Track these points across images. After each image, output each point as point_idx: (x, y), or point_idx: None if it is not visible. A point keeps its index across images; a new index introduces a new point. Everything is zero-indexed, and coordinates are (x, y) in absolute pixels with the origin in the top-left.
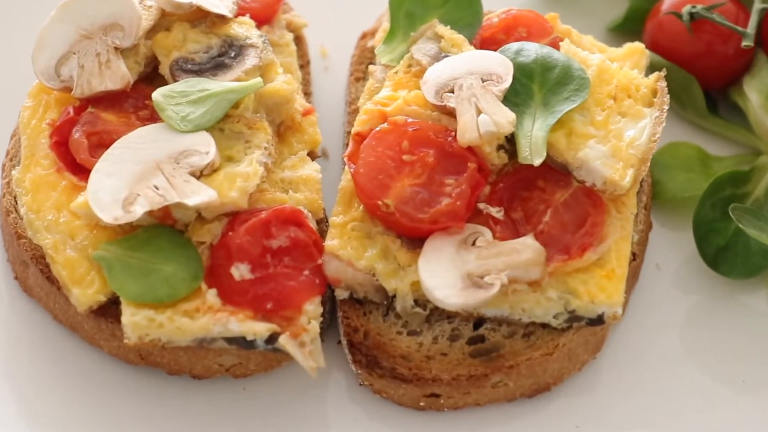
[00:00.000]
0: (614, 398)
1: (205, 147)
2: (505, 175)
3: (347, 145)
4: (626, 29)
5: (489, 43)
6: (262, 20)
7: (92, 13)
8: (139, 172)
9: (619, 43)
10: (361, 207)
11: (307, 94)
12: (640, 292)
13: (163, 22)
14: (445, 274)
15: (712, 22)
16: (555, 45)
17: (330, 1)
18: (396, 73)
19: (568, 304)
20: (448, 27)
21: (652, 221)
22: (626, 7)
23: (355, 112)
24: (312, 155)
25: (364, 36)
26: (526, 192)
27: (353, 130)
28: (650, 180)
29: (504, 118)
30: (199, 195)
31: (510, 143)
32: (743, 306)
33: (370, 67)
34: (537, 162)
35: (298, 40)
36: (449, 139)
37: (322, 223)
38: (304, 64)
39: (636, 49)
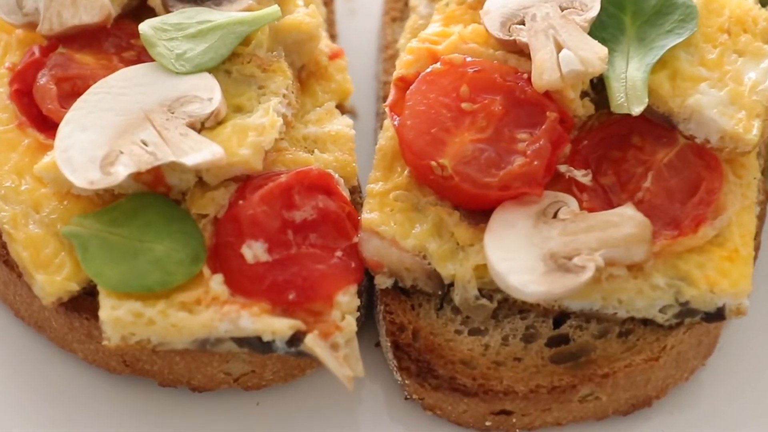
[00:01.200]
0: (727, 413)
1: (207, 92)
2: (591, 131)
3: (383, 98)
4: None
5: None
6: None
7: None
8: (123, 124)
9: None
10: (406, 171)
11: (332, 36)
12: (759, 278)
13: None
14: (520, 255)
15: None
16: None
17: None
18: (446, 5)
19: (679, 294)
20: None
21: None
22: None
23: (393, 58)
24: (341, 108)
25: None
26: (619, 151)
27: (396, 74)
28: None
29: (593, 53)
30: (199, 152)
31: (596, 90)
32: None
33: (412, 0)
34: (636, 110)
35: None
36: (520, 82)
37: (356, 192)
38: (328, 1)
39: None
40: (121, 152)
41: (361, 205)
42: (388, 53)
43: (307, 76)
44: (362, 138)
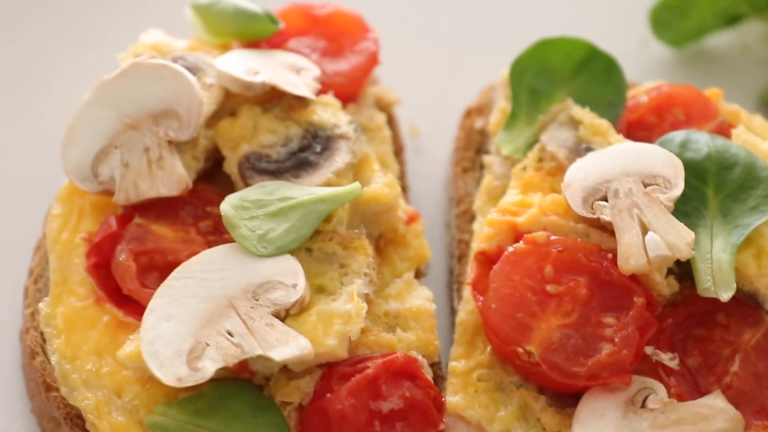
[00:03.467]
0: None
1: (290, 278)
2: (675, 307)
3: (457, 258)
4: None
5: (637, 127)
6: (347, 97)
7: (139, 96)
8: (207, 312)
9: None
10: (488, 348)
11: (403, 190)
12: None
13: (228, 105)
14: None
15: None
16: (724, 131)
17: (419, 68)
18: (524, 169)
19: None
20: (586, 108)
21: None
22: None
23: (466, 214)
24: (417, 273)
25: (468, 114)
26: (704, 330)
27: (476, 248)
28: None
29: (680, 238)
30: (287, 346)
31: (679, 263)
32: None
33: (486, 158)
34: (725, 297)
35: (389, 120)
36: (605, 263)
37: (436, 367)
38: (398, 151)
39: None
40: (207, 344)
41: (442, 378)
42: (461, 208)
43: (384, 244)
44: (434, 292)
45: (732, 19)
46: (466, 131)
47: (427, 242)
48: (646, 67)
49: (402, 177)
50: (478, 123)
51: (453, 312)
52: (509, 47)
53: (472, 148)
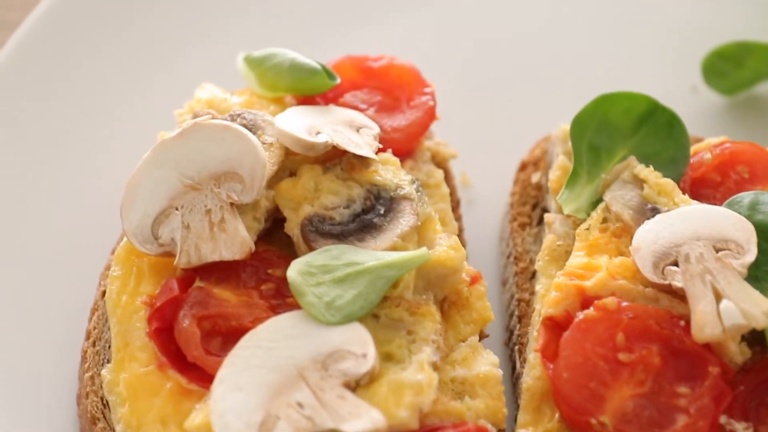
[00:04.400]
0: None
1: (360, 347)
2: (746, 374)
3: (518, 318)
4: None
5: (701, 185)
6: (404, 153)
7: (201, 157)
8: (277, 384)
9: None
10: (556, 416)
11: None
12: None
13: (287, 163)
14: None
15: None
16: None
17: (470, 118)
18: (587, 229)
19: None
20: (649, 166)
21: None
22: None
23: (525, 272)
24: (480, 336)
25: (523, 167)
26: None
27: (544, 313)
28: None
29: (756, 306)
30: (359, 419)
31: (751, 331)
32: None
33: (547, 216)
34: None
35: (445, 174)
36: (677, 330)
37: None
38: (455, 206)
39: None
40: (278, 417)
41: None
42: (520, 266)
43: (448, 306)
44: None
45: None
46: (522, 185)
47: None
48: (697, 113)
49: (460, 234)
50: (534, 177)
51: (513, 373)
52: (559, 99)
53: (529, 203)
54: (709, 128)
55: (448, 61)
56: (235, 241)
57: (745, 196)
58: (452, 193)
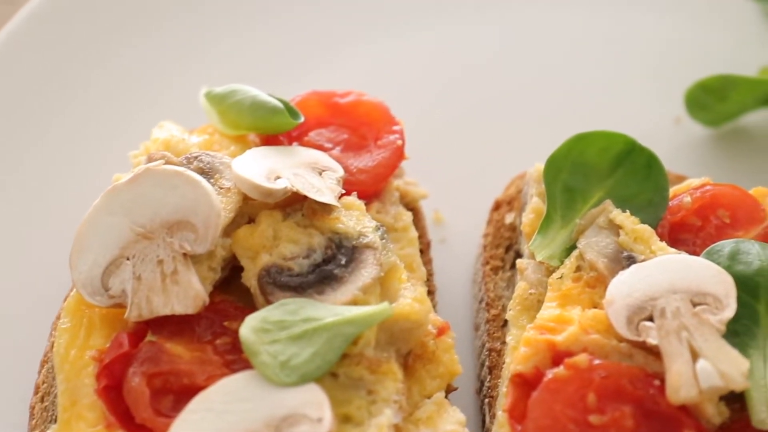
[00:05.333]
0: None
1: (316, 410)
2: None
3: (489, 369)
4: None
5: (680, 230)
6: (371, 194)
7: (153, 204)
8: None
9: None
10: None
11: (430, 293)
12: None
13: (246, 210)
14: None
15: None
16: None
17: (441, 154)
18: (560, 278)
19: None
20: (626, 212)
21: None
22: None
23: (497, 319)
24: (448, 388)
25: (497, 206)
26: None
27: (513, 370)
28: None
29: (734, 367)
30: None
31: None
32: None
33: (519, 262)
34: None
35: (415, 215)
36: (651, 390)
37: None
38: (424, 248)
39: None
40: None
41: None
42: (491, 313)
43: (413, 360)
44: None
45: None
46: (495, 226)
47: (456, 343)
48: (680, 147)
49: (429, 279)
50: (508, 218)
51: (483, 426)
52: (538, 134)
53: (502, 246)
54: (692, 161)
55: (419, 96)
56: (189, 294)
57: (726, 245)
58: (422, 235)
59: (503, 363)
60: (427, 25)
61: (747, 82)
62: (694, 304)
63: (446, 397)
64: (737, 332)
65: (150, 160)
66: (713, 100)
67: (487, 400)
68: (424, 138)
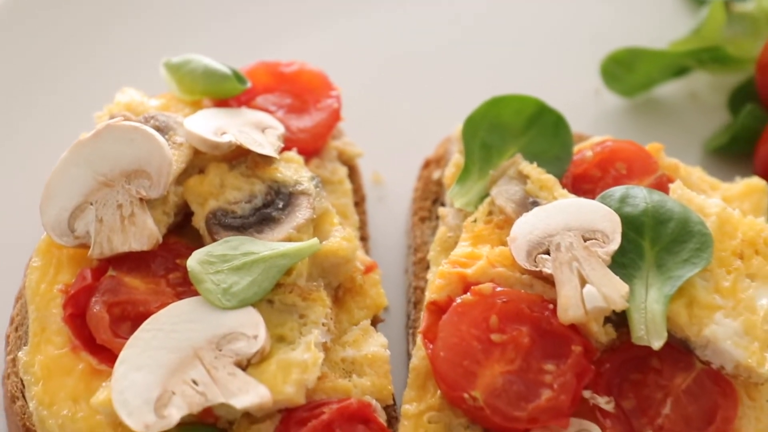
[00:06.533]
0: None
1: (252, 329)
2: (612, 353)
3: (414, 304)
4: (730, 150)
5: (582, 180)
6: (311, 152)
7: (113, 156)
8: (174, 363)
9: (721, 165)
10: (438, 393)
11: (363, 240)
12: None
13: (196, 162)
14: None
15: None
16: (662, 185)
17: (382, 120)
18: (474, 221)
19: None
20: (534, 164)
21: None
22: (727, 124)
23: (423, 262)
24: (374, 320)
25: (427, 165)
26: (639, 374)
27: (428, 298)
28: None
29: (615, 291)
30: (247, 394)
31: (618, 313)
32: None
33: (441, 210)
34: (656, 345)
35: (352, 172)
36: (546, 313)
37: (390, 409)
38: (359, 201)
39: (755, 186)
40: (174, 393)
41: (397, 419)
42: (418, 256)
43: (343, 293)
44: (393, 333)
45: (679, 71)
46: (424, 182)
47: (388, 287)
48: (599, 115)
49: (362, 227)
50: (436, 174)
51: (409, 356)
52: (468, 101)
53: (430, 198)
54: (610, 128)
55: (361, 71)
56: (144, 233)
57: (617, 190)
58: (358, 190)
59: (425, 298)
60: (368, 9)
61: (653, 54)
62: (585, 240)
63: (375, 327)
64: (624, 264)
65: (112, 118)
66: (624, 72)
67: (411, 331)
68: (365, 107)
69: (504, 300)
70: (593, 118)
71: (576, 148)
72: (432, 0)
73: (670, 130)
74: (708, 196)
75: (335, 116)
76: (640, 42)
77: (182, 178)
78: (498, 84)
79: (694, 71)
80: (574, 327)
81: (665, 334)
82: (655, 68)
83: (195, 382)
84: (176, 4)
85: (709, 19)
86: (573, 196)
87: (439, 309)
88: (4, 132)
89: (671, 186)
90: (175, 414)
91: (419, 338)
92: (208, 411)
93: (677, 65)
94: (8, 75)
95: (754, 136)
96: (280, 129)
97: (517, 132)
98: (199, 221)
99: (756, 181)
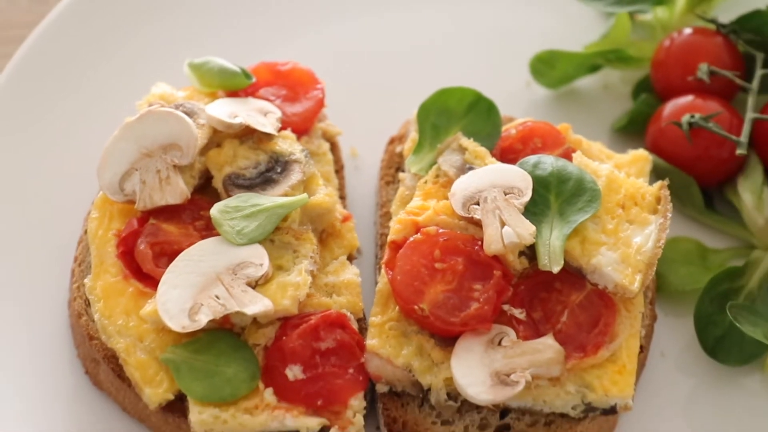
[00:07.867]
0: None
1: (259, 259)
2: (526, 278)
3: (380, 246)
4: (630, 130)
5: (508, 152)
6: (301, 131)
7: (153, 133)
8: (202, 283)
9: (623, 141)
10: (397, 308)
11: (342, 198)
12: (647, 378)
13: (215, 138)
14: (475, 372)
15: (708, 130)
16: (567, 155)
17: (357, 106)
18: (425, 182)
19: (584, 397)
20: (471, 139)
21: (656, 313)
22: (630, 109)
23: (387, 215)
24: (350, 257)
25: (392, 141)
26: (545, 293)
27: (389, 238)
28: (654, 274)
29: (526, 230)
30: (256, 304)
31: (530, 249)
32: (740, 387)
33: (400, 174)
34: (555, 269)
35: (333, 147)
36: (476, 248)
37: (361, 321)
38: (339, 169)
39: (640, 156)
40: (202, 304)
41: (365, 328)
42: (383, 211)
43: (326, 236)
44: (366, 269)
45: (592, 68)
46: (390, 154)
47: (361, 234)
48: (530, 103)
49: (341, 189)
50: (398, 148)
51: (376, 283)
52: (423, 91)
53: (393, 167)
54: (539, 113)
55: (342, 67)
56: (176, 191)
57: (532, 158)
58: (337, 161)
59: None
60: (352, 15)
61: (571, 55)
62: (506, 194)
63: (350, 263)
64: (535, 213)
65: (150, 106)
66: (548, 69)
67: (378, 265)
68: (344, 96)
69: (445, 239)
70: (526, 105)
71: (504, 128)
72: (399, 11)
73: (586, 114)
74: (603, 163)
75: (320, 104)
76: (561, 44)
77: (204, 150)
78: (446, 78)
79: (604, 68)
80: (496, 258)
81: (562, 262)
82: (572, 66)
83: (217, 297)
84: (196, 17)
85: (617, 27)
86: (500, 163)
87: (397, 246)
88: (68, 116)
89: (574, 155)
90: (203, 319)
91: (383, 268)
92: (226, 318)
93: (590, 64)
94: (72, 71)
95: (646, 119)
96: (278, 113)
97: (459, 115)
98: (217, 182)
99: (641, 152)
